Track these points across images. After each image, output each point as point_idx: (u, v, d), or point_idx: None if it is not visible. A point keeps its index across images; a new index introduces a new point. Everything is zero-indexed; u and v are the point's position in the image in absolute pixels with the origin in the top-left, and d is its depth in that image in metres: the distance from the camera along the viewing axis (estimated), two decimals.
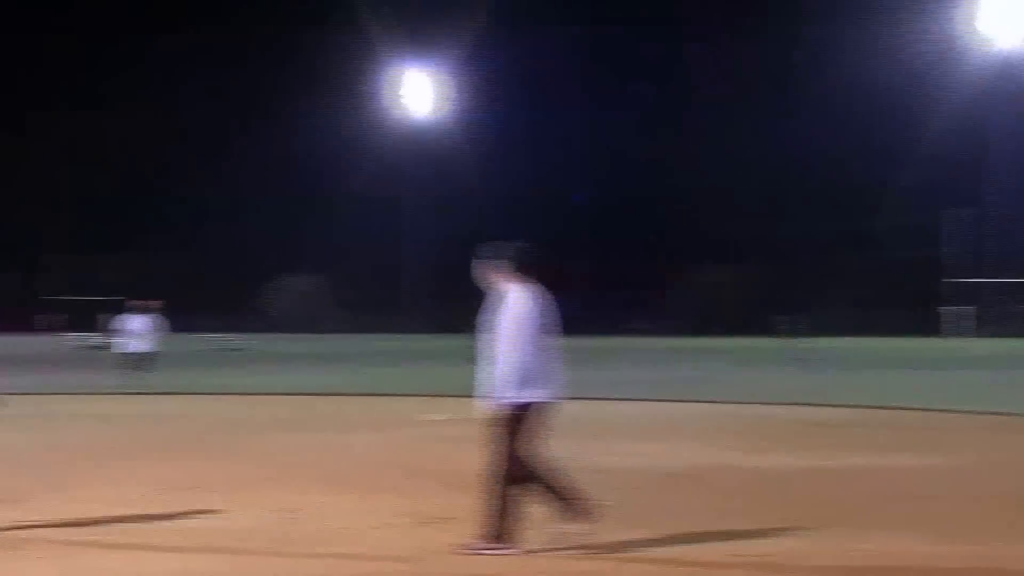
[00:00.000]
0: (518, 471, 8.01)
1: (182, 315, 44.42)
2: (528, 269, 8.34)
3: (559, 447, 8.81)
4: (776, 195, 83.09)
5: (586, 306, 59.34)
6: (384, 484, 11.15)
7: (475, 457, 11.45)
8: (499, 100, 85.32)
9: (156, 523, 9.13)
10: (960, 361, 39.86)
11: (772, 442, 14.76)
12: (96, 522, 9.11)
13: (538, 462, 8.10)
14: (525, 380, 8.01)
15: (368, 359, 41.97)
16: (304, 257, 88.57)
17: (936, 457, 13.21)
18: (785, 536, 8.59)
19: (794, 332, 49.48)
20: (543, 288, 8.33)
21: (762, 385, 26.41)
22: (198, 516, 9.43)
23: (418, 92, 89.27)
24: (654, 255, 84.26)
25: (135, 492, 10.58)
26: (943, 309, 66.86)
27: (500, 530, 7.98)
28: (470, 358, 9.44)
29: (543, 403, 8.10)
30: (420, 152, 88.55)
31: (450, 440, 14.48)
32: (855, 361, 40.09)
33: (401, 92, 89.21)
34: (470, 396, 8.38)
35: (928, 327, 68.45)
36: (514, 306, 8.14)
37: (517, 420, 8.02)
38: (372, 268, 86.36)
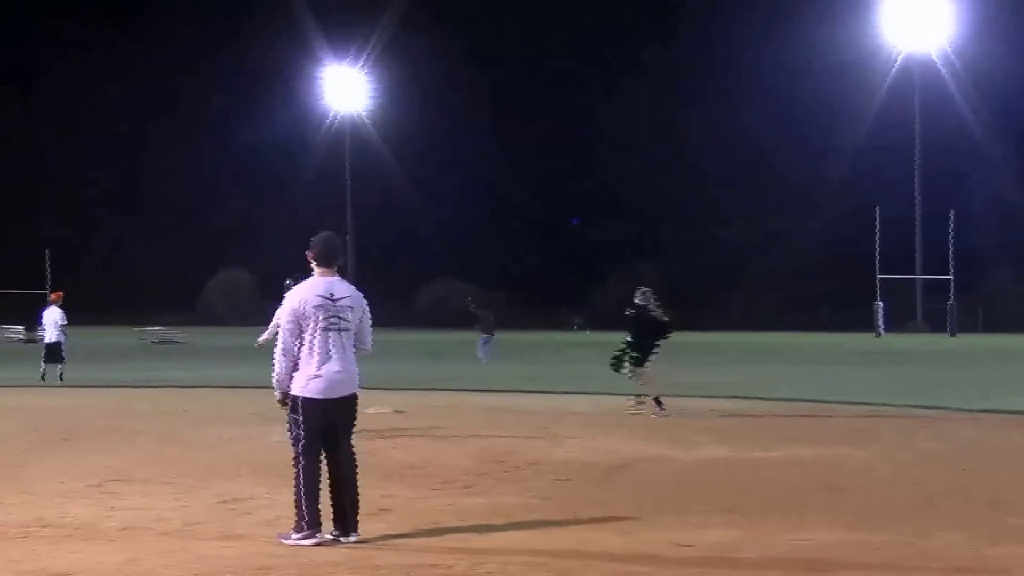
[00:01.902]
0: (309, 460, 7.79)
1: None
2: (324, 260, 7.97)
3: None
4: None
5: None
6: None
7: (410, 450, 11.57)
8: None
9: (101, 514, 9.15)
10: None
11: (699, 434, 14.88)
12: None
13: (317, 457, 7.85)
14: (295, 372, 7.74)
15: None
16: None
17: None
18: (722, 527, 8.63)
19: None
20: (341, 280, 7.97)
21: None
22: (139, 509, 9.43)
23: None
24: None
25: (77, 484, 10.59)
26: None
27: (299, 517, 7.77)
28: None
29: (315, 398, 7.77)
30: None
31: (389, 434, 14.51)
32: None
33: None
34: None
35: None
36: (286, 298, 7.88)
37: (296, 410, 7.79)
38: None
